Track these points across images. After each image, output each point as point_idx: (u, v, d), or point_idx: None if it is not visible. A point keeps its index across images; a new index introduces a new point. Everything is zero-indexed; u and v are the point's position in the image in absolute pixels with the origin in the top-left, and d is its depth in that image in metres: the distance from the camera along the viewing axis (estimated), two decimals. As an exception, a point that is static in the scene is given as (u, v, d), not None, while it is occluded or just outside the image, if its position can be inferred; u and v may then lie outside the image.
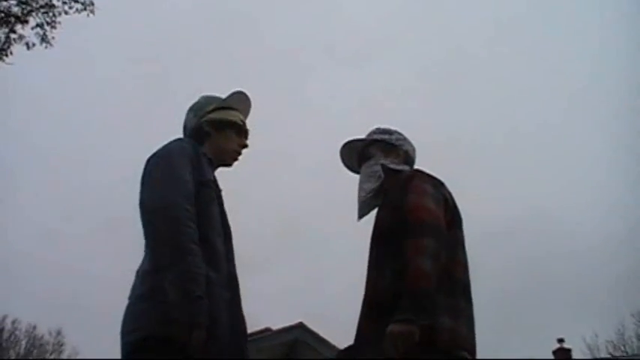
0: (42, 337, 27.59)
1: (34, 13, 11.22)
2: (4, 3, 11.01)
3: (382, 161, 2.32)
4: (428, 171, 2.23)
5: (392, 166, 2.30)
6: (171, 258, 1.75)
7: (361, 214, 2.32)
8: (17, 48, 11.17)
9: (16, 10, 11.16)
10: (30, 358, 26.53)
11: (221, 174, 2.17)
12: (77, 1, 11.28)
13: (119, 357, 1.83)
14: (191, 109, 2.24)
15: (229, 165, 2.23)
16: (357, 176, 2.42)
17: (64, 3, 11.28)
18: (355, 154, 2.44)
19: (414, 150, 2.42)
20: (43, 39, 11.27)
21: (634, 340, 22.38)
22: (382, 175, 2.29)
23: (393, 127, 2.43)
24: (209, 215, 1.94)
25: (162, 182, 1.89)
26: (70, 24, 11.47)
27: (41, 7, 11.21)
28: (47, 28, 11.29)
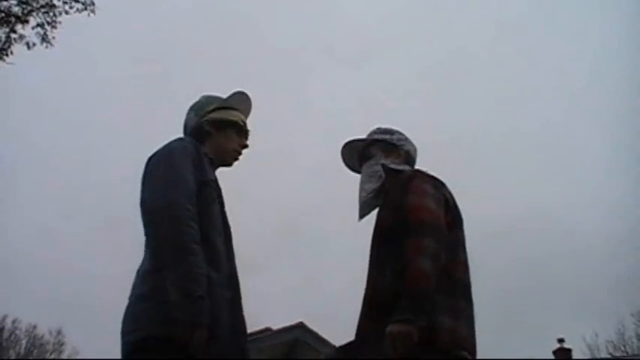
0: (42, 336, 27.60)
1: (34, 13, 11.23)
2: (5, 3, 11.02)
3: (383, 161, 2.32)
4: (429, 171, 2.23)
5: (393, 166, 2.30)
6: (173, 258, 1.75)
7: (362, 214, 2.32)
8: (18, 48, 11.19)
9: (16, 9, 11.17)
10: (30, 357, 26.53)
11: (221, 173, 2.18)
12: (78, 1, 11.29)
13: (119, 357, 1.83)
14: (192, 108, 2.24)
15: (229, 165, 2.23)
16: (357, 176, 2.42)
17: (65, 3, 11.30)
18: (356, 154, 2.44)
19: (415, 150, 2.42)
20: (44, 39, 11.28)
21: (634, 340, 22.38)
22: (383, 175, 2.29)
23: (394, 127, 2.43)
24: (210, 215, 1.94)
25: (164, 182, 1.89)
26: (70, 24, 11.49)
27: (42, 6, 11.22)
28: (48, 27, 11.31)
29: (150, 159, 2.02)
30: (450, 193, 2.17)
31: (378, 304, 2.03)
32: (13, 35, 11.10)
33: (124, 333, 1.82)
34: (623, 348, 22.36)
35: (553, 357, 16.57)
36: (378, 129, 2.43)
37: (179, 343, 1.70)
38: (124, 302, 1.88)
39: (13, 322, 27.03)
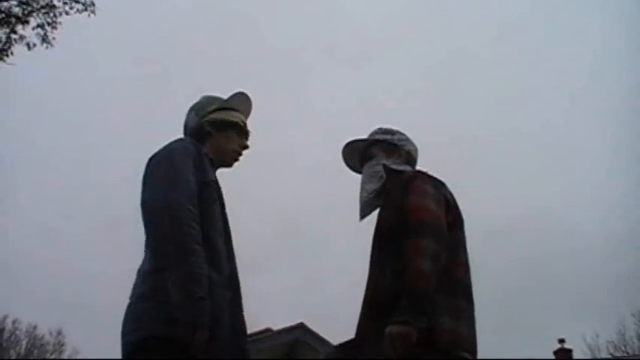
0: (42, 337, 27.62)
1: (34, 14, 11.24)
2: (5, 3, 11.02)
3: (384, 161, 2.32)
4: (430, 172, 2.23)
5: (394, 166, 2.30)
6: (175, 258, 1.75)
7: (363, 215, 2.32)
8: (18, 48, 11.21)
9: (17, 10, 11.19)
10: (30, 358, 26.54)
11: (221, 173, 2.18)
12: (78, 2, 11.32)
13: (120, 357, 1.83)
14: (192, 108, 2.24)
15: (230, 166, 2.23)
16: (357, 176, 2.42)
17: (65, 3, 11.32)
18: (357, 155, 2.44)
19: (416, 150, 2.42)
20: (44, 39, 11.30)
21: (635, 340, 22.38)
22: (384, 176, 2.29)
23: (395, 128, 2.43)
24: (211, 216, 1.94)
25: (165, 182, 1.89)
26: (70, 24, 11.51)
27: (42, 7, 11.23)
28: (48, 28, 11.33)
29: (151, 159, 2.02)
30: (450, 193, 2.17)
31: (378, 304, 2.03)
32: (13, 36, 11.13)
33: (125, 333, 1.82)
34: (623, 348, 22.36)
35: (554, 357, 16.56)
36: (380, 129, 2.43)
37: (180, 343, 1.70)
38: (125, 302, 1.88)
39: (14, 322, 27.07)
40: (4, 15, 11.05)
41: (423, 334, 1.84)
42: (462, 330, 1.99)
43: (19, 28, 11.17)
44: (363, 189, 2.33)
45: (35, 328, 27.37)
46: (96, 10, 11.43)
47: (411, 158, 2.38)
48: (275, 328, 9.98)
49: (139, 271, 1.91)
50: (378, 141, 2.39)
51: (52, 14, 11.28)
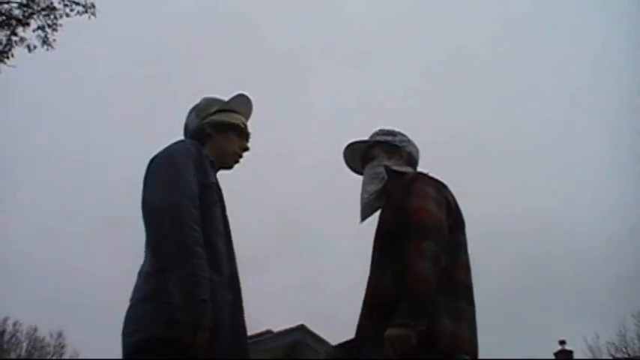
0: (43, 338, 27.57)
1: (35, 16, 11.27)
2: (6, 5, 11.04)
3: (385, 163, 2.32)
4: (430, 173, 2.23)
5: (395, 167, 2.30)
6: (176, 260, 1.75)
7: (364, 216, 2.31)
8: (19, 50, 11.24)
9: (17, 12, 11.21)
10: (31, 359, 26.52)
11: (222, 174, 2.18)
12: (78, 4, 11.34)
13: (121, 358, 1.83)
14: (193, 110, 2.24)
15: (230, 167, 2.23)
16: (358, 177, 2.42)
17: (66, 6, 11.35)
18: (358, 156, 2.44)
19: (417, 151, 2.42)
20: (45, 41, 11.33)
21: (636, 341, 22.33)
22: (385, 177, 2.28)
23: (396, 129, 2.43)
24: (212, 217, 1.94)
25: (166, 183, 1.89)
26: (71, 26, 11.53)
27: (42, 9, 11.26)
28: (48, 30, 11.36)
29: (152, 161, 2.02)
30: (452, 195, 2.17)
31: (378, 305, 2.03)
32: (14, 38, 11.16)
33: (126, 334, 1.82)
34: (624, 349, 22.32)
35: (554, 358, 16.56)
36: (381, 130, 2.43)
37: (181, 344, 1.70)
38: (125, 303, 1.88)
39: (14, 324, 27.04)
40: (4, 17, 11.07)
41: (423, 336, 1.84)
42: (463, 332, 1.98)
43: (19, 30, 11.22)
44: (364, 190, 2.33)
45: (36, 330, 27.37)
46: (96, 12, 11.48)
47: (412, 159, 2.38)
48: (275, 329, 9.98)
49: (139, 272, 1.91)
50: (380, 142, 2.39)
51: (52, 16, 11.32)
